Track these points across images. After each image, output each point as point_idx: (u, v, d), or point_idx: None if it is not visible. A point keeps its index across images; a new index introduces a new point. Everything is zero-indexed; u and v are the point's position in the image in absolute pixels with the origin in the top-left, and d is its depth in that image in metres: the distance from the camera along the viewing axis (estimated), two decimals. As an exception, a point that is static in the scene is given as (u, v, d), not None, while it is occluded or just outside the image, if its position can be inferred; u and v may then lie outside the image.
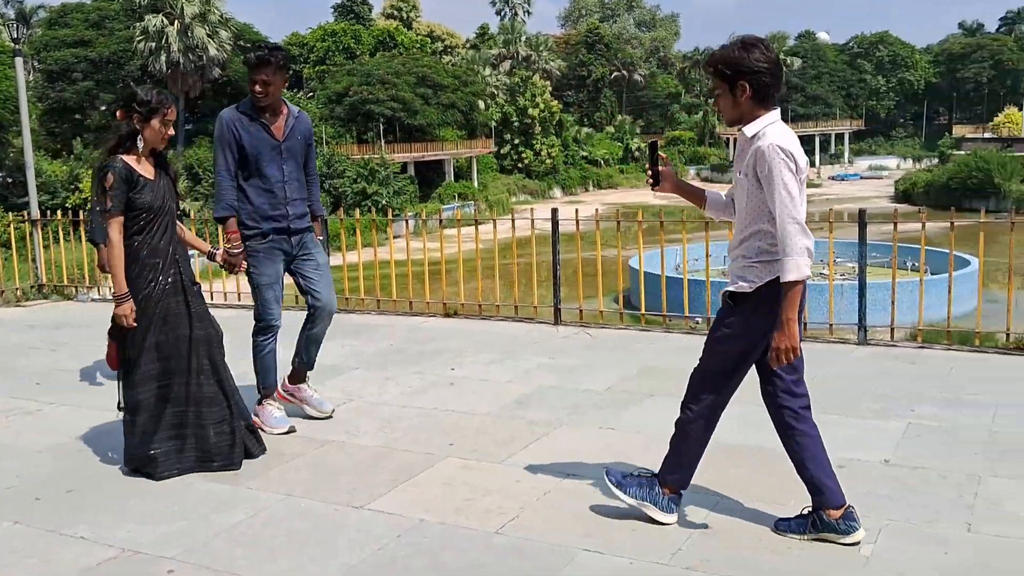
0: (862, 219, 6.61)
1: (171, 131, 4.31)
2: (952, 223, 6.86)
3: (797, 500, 3.59)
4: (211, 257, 4.74)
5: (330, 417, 5.08)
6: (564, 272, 7.92)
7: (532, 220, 8.11)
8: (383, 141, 53.53)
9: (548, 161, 65.02)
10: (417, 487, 4.07)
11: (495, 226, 8.56)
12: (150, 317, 4.21)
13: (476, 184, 57.40)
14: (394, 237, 19.34)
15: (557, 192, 65.19)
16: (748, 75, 3.17)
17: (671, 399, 5.24)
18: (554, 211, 7.79)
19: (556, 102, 67.26)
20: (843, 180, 72.48)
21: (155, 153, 4.30)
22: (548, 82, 70.95)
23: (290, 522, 3.73)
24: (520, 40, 77.49)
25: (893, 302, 6.70)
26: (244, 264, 4.77)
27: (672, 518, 3.55)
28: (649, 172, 3.55)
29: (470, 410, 5.21)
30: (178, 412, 4.28)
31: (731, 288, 3.35)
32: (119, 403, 4.33)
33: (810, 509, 3.41)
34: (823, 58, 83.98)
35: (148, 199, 4.17)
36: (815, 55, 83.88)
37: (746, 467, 4.18)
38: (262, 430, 4.74)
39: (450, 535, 3.56)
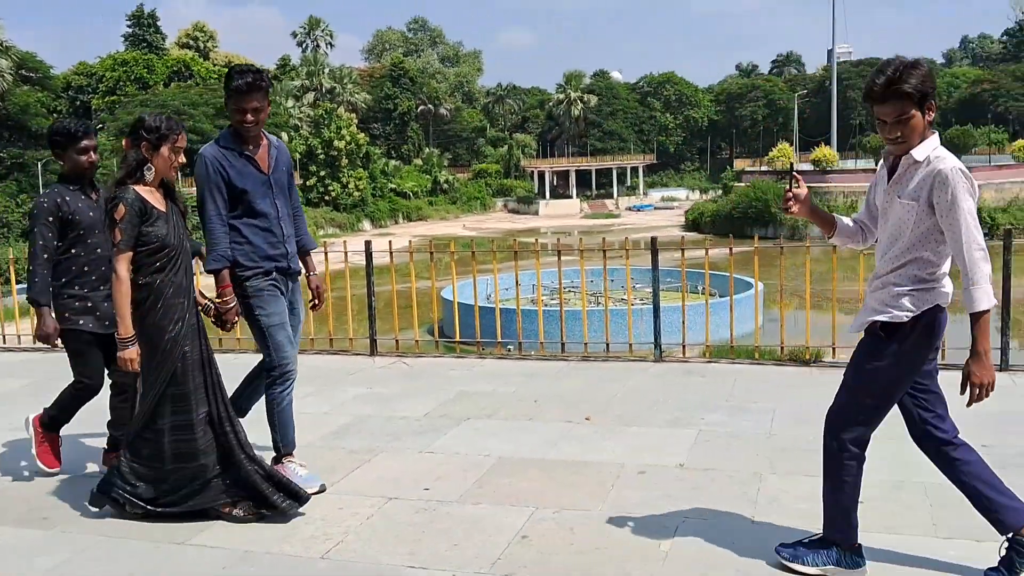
0: (654, 247, 7.17)
1: (182, 159, 4.06)
2: (731, 249, 7.56)
3: (606, 505, 3.89)
4: (206, 310, 4.28)
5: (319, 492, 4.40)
6: (379, 304, 8.04)
7: (345, 253, 8.19)
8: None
9: (356, 194, 64.69)
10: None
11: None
12: (174, 361, 3.95)
13: (282, 218, 56.04)
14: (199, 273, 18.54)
15: (366, 224, 64.93)
16: (932, 97, 3.06)
17: (488, 421, 5.53)
18: (367, 243, 7.91)
19: (363, 134, 67.17)
20: (639, 211, 76.51)
21: (163, 184, 4.05)
22: (354, 115, 70.78)
23: (110, 563, 3.64)
24: (324, 72, 76.91)
25: (684, 322, 7.29)
26: (237, 319, 4.34)
27: (865, 573, 3.32)
28: (788, 193, 3.34)
29: (289, 442, 5.22)
30: (200, 464, 4.03)
31: (883, 318, 3.17)
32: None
33: (1006, 542, 3.20)
34: (617, 96, 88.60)
35: (163, 232, 3.91)
36: (609, 93, 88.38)
37: (559, 478, 4.46)
38: None
39: (276, 564, 3.61)
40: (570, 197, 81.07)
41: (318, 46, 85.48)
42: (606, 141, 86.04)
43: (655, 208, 77.84)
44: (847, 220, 3.49)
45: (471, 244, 8.13)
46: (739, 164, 74.34)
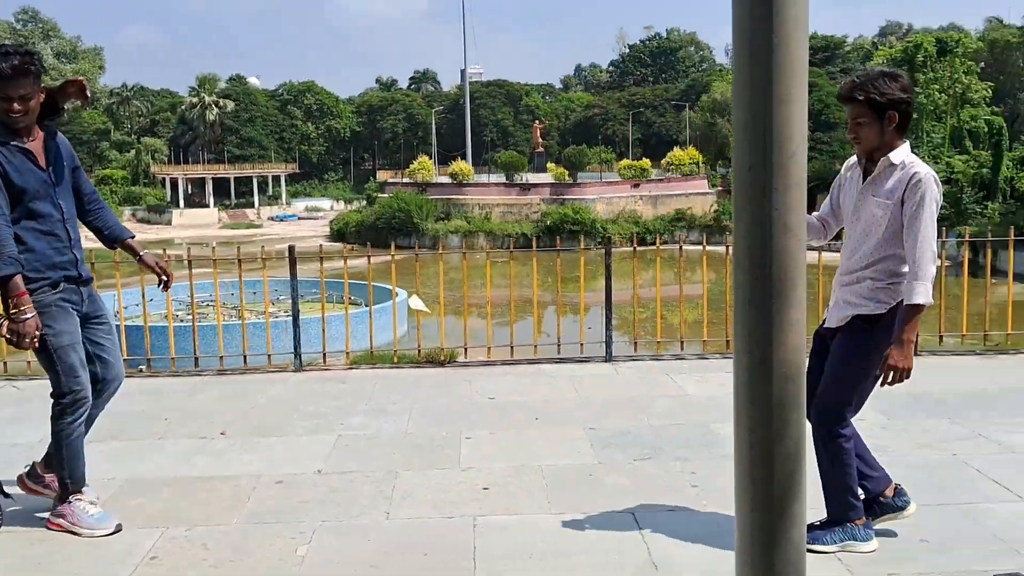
0: (292, 256, 7.14)
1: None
2: (369, 258, 7.75)
3: (242, 517, 3.82)
4: None
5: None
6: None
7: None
8: None
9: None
10: None
11: None
12: None
13: None
14: None
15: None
16: (897, 105, 3.30)
17: (111, 443, 5.15)
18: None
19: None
20: (283, 220, 75.04)
21: None
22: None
23: None
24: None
25: (324, 331, 7.33)
26: (38, 334, 3.61)
27: (875, 543, 3.55)
28: None
29: None
30: None
31: (864, 311, 3.43)
32: None
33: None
34: (255, 102, 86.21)
35: None
36: (247, 99, 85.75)
37: (193, 495, 4.30)
38: (74, 533, 3.76)
39: None
40: (207, 206, 77.34)
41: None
42: (245, 148, 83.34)
43: (299, 218, 76.84)
44: (812, 217, 3.71)
45: (89, 256, 7.51)
46: (382, 175, 75.81)
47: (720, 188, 54.72)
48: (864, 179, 3.48)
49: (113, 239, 4.17)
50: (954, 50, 48.65)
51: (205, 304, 16.97)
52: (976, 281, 7.72)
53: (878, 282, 3.43)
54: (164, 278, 4.18)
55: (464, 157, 63.89)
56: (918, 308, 3.31)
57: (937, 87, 47.75)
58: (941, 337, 7.47)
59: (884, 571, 3.40)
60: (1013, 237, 7.43)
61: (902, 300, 3.37)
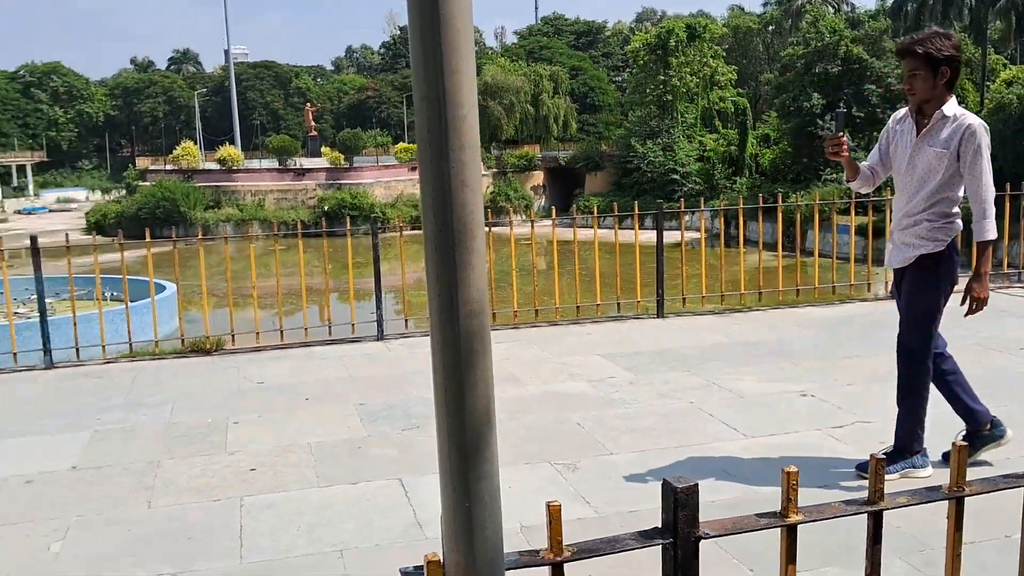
0: (35, 246, 6.68)
1: None
2: (123, 250, 7.38)
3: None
4: None
5: None
6: None
7: None
8: None
9: None
10: None
11: None
12: None
13: None
14: None
15: None
16: (950, 61, 3.62)
17: None
18: None
19: None
20: (30, 213, 69.00)
21: None
22: None
23: None
24: None
25: (75, 325, 6.93)
26: None
27: (931, 469, 3.91)
28: (838, 137, 3.81)
29: None
30: None
31: (925, 251, 3.76)
32: None
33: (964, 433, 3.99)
34: (-6, 85, 78.53)
35: None
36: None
37: None
38: None
39: None
40: (-59, 200, 69.71)
41: None
42: (-16, 136, 75.79)
43: (49, 211, 70.93)
44: (863, 166, 4.02)
45: None
46: (142, 162, 71.21)
47: (495, 170, 55.96)
48: (918, 131, 3.81)
49: None
50: (702, 35, 52.27)
51: (-59, 307, 15.40)
52: (729, 251, 8.47)
53: (934, 223, 3.79)
54: None
55: (233, 142, 61.46)
56: (989, 243, 3.77)
57: (688, 70, 51.15)
58: (684, 300, 8.16)
59: (627, 509, 3.75)
60: (762, 206, 8.19)
61: (954, 236, 3.81)
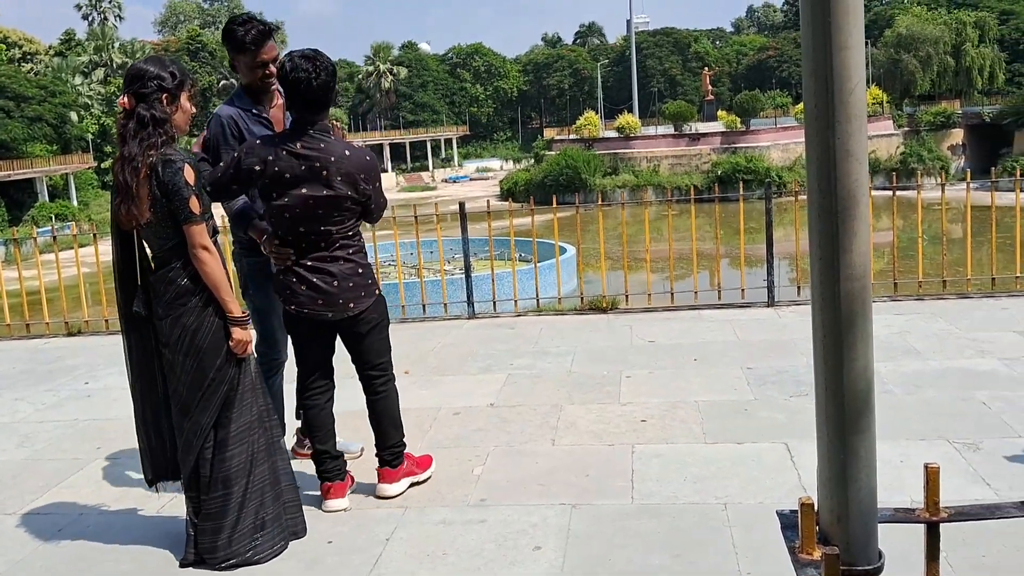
0: (463, 212, 7.63)
1: (194, 109, 3.37)
2: (533, 215, 8.13)
3: (424, 443, 4.31)
4: None
5: None
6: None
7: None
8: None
9: (159, 175, 61.51)
10: (70, 488, 4.21)
11: (97, 246, 7.89)
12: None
13: (75, 203, 52.84)
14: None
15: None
16: None
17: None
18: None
19: (162, 112, 63.78)
20: (455, 182, 77.18)
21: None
22: (151, 92, 66.97)
23: (-63, 540, 3.72)
24: (114, 46, 72.48)
25: (492, 282, 7.80)
26: None
27: None
28: None
29: (114, 416, 5.32)
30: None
31: None
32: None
33: None
34: (426, 68, 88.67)
35: (207, 200, 3.33)
36: (419, 65, 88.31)
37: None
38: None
39: (109, 522, 3.80)
40: (385, 171, 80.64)
41: (105, 18, 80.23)
42: (418, 113, 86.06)
43: (471, 179, 78.74)
44: None
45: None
46: (549, 133, 76.29)
47: (907, 128, 51.60)
48: None
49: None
50: None
51: (386, 264, 18.03)
52: None
53: None
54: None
55: (631, 110, 63.21)
56: None
57: None
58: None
59: None
60: None
61: None
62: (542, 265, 19.91)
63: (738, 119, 54.69)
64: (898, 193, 7.54)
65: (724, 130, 53.49)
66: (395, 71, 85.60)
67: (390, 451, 3.90)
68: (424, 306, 7.86)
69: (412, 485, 3.95)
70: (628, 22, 77.88)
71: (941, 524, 1.47)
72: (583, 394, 5.17)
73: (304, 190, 3.48)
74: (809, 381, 5.09)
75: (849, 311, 1.40)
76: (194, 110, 3.34)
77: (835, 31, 1.32)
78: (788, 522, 1.56)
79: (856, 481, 1.44)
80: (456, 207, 7.88)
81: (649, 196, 35.69)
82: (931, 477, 1.45)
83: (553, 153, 58.84)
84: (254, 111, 3.90)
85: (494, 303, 7.81)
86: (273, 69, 3.77)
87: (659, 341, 6.32)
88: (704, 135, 53.63)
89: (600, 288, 7.67)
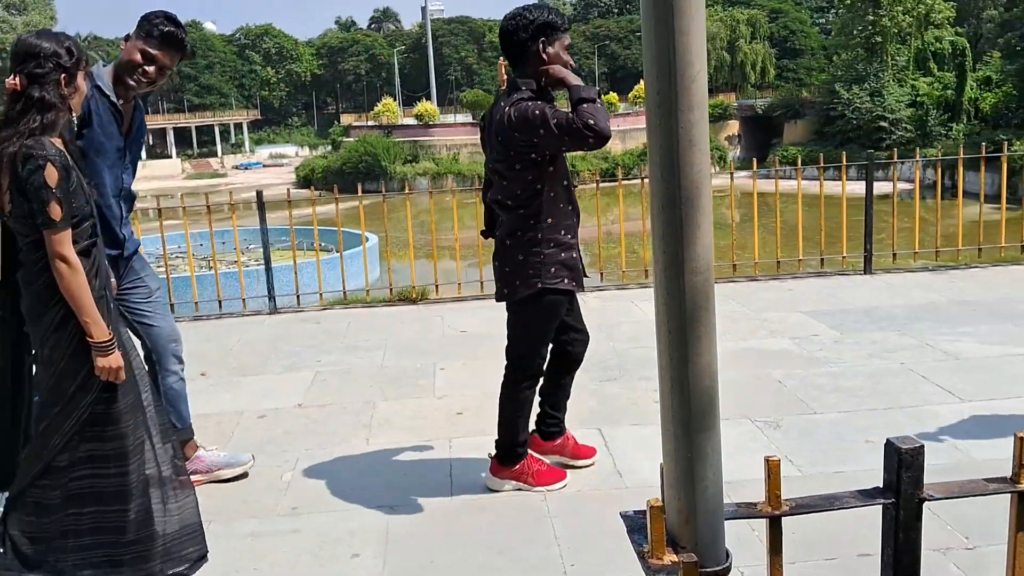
0: (260, 201, 7.24)
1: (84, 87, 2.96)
2: (337, 203, 7.85)
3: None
4: None
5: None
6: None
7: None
8: None
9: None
10: None
11: None
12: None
13: None
14: None
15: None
16: None
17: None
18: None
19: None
20: (247, 169, 74.22)
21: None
22: None
23: None
24: None
25: (295, 273, 7.47)
26: None
27: None
28: None
29: None
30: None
31: None
32: None
33: None
34: (213, 48, 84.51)
35: (83, 200, 2.84)
36: (204, 45, 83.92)
37: (177, 434, 4.49)
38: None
39: None
40: (170, 157, 76.28)
41: None
42: (205, 96, 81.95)
43: (264, 166, 76.03)
44: None
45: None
46: (346, 119, 74.98)
47: (687, 119, 54.65)
48: None
49: None
50: (917, -30, 48.53)
51: (175, 256, 16.97)
52: (944, 203, 7.89)
53: None
54: None
55: (429, 98, 63.24)
56: None
57: (901, 8, 47.72)
58: (895, 255, 7.75)
59: (831, 469, 3.67)
60: (984, 155, 7.61)
61: None
62: (347, 254, 19.46)
63: (534, 108, 55.82)
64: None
65: (520, 119, 54.41)
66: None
67: None
68: (220, 302, 7.41)
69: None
70: (423, 9, 77.79)
71: (784, 517, 1.46)
72: (397, 389, 5.03)
73: None
74: (617, 366, 5.21)
75: (694, 305, 1.36)
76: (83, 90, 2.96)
77: (676, 16, 1.26)
78: (634, 525, 1.50)
79: (703, 480, 1.40)
80: (249, 195, 7.50)
81: (451, 183, 35.77)
82: (772, 470, 1.44)
83: (351, 140, 57.91)
84: (109, 97, 3.48)
85: (297, 296, 7.48)
86: (154, 74, 3.51)
87: (471, 331, 6.27)
88: (501, 123, 54.33)
89: (408, 278, 7.51)
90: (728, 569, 1.42)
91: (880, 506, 1.46)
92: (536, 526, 3.34)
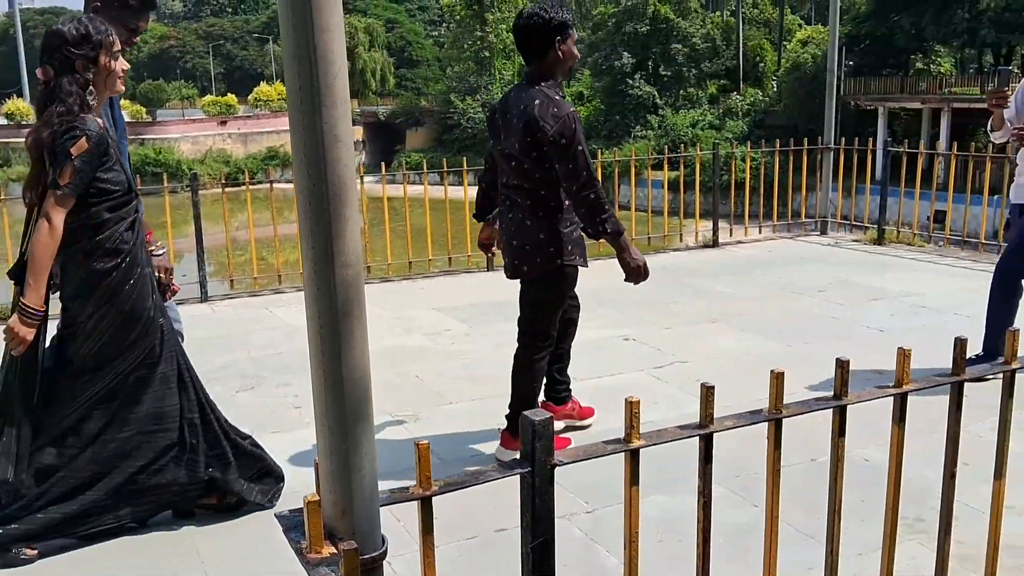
0: None
1: (126, 65, 3.17)
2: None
3: None
4: None
5: None
6: None
7: None
8: None
9: None
10: None
11: None
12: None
13: None
14: None
15: None
16: None
17: None
18: None
19: None
20: None
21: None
22: None
23: None
24: None
25: None
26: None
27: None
28: (1003, 92, 4.33)
29: None
30: None
31: None
32: None
33: None
34: None
35: (122, 177, 3.08)
36: None
37: None
38: None
39: None
40: None
41: None
42: None
43: None
44: (1006, 117, 4.51)
45: None
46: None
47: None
48: None
49: None
50: (516, -7, 52.66)
51: None
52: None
53: None
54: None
55: (21, 95, 56.45)
56: None
57: (505, 27, 51.53)
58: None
59: (469, 454, 3.89)
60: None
61: None
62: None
63: (143, 109, 52.44)
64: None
65: (129, 120, 50.69)
66: None
67: None
68: None
69: None
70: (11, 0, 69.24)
71: (434, 496, 1.54)
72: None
73: None
74: (253, 375, 5.09)
75: (345, 299, 1.38)
76: (125, 66, 3.16)
77: (316, 12, 1.28)
78: (290, 524, 1.50)
79: (360, 470, 1.43)
80: None
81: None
82: (422, 454, 1.51)
83: (-81, 140, 49.90)
84: None
85: None
86: (135, 41, 3.69)
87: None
88: (109, 125, 50.20)
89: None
90: (385, 553, 1.46)
91: (518, 476, 1.59)
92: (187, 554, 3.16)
